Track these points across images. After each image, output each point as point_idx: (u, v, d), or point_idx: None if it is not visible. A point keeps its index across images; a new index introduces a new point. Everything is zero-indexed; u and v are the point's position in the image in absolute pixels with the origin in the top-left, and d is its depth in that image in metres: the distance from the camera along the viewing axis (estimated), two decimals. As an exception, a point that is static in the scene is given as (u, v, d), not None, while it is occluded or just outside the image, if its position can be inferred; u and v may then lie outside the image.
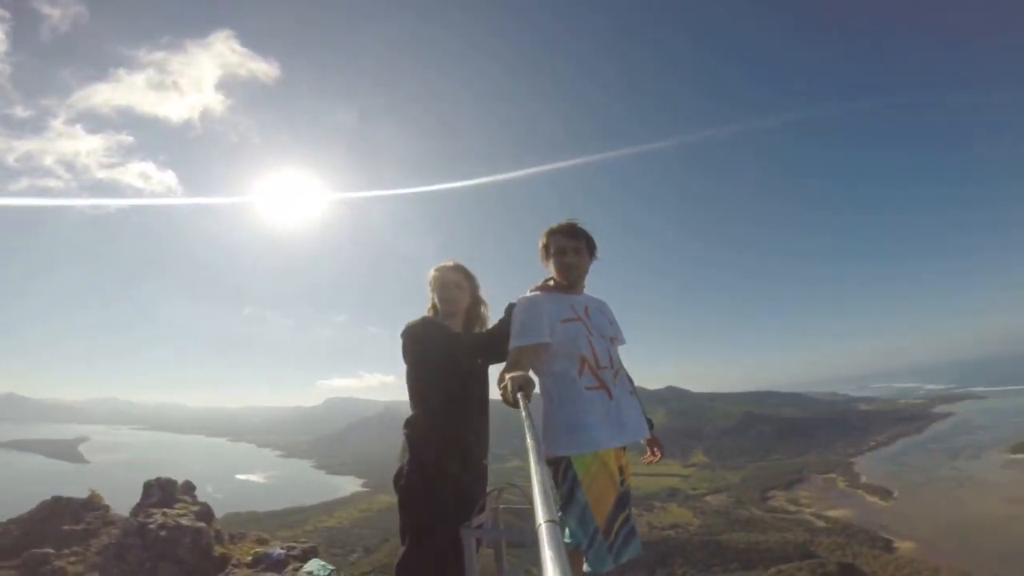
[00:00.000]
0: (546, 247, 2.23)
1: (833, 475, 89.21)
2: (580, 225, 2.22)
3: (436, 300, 2.50)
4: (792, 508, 73.81)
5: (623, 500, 1.96)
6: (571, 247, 2.18)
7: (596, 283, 2.38)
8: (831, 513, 68.14)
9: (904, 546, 52.10)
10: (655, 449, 2.33)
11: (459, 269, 2.52)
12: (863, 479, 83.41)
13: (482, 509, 2.10)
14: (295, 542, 7.23)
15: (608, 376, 2.08)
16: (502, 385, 1.78)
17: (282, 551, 6.93)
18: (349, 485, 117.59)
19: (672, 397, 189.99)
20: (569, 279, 2.20)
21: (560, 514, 1.87)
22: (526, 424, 1.37)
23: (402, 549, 2.19)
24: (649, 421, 2.29)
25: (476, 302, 2.59)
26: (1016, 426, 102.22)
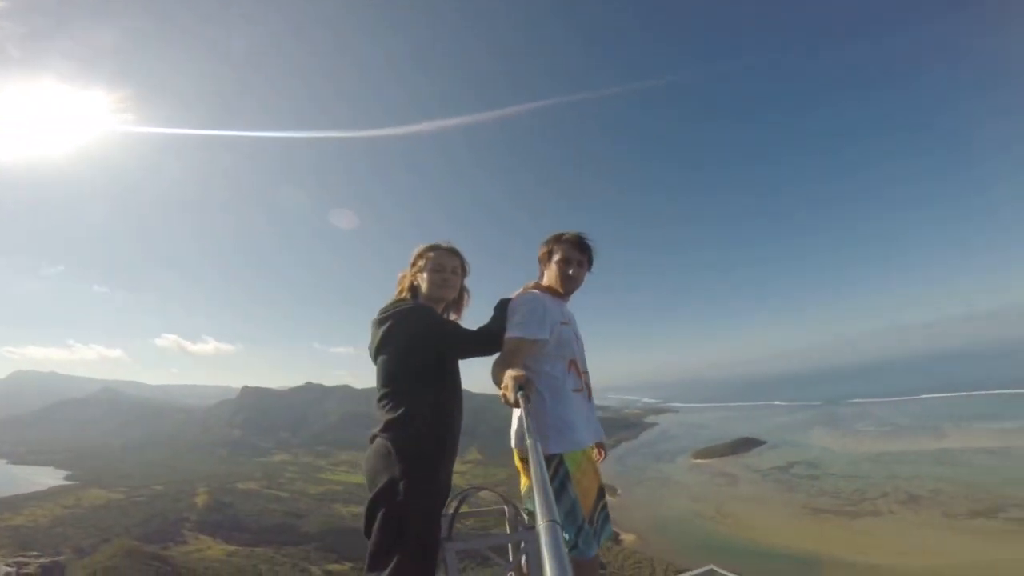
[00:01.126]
0: (550, 252, 2.29)
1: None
2: (588, 239, 2.29)
3: (424, 282, 2.25)
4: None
5: (602, 491, 2.17)
6: (576, 259, 2.25)
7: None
8: (573, 508, 78.51)
9: (628, 538, 62.49)
10: (601, 450, 2.49)
11: (457, 254, 2.33)
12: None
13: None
14: (24, 555, 5.22)
15: (586, 381, 2.27)
16: (504, 384, 1.76)
17: (9, 570, 4.92)
18: (46, 477, 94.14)
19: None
20: (568, 288, 2.28)
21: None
22: (526, 424, 1.37)
23: (384, 573, 1.84)
24: None
25: (462, 291, 2.44)
26: (698, 436, 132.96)
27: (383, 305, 2.23)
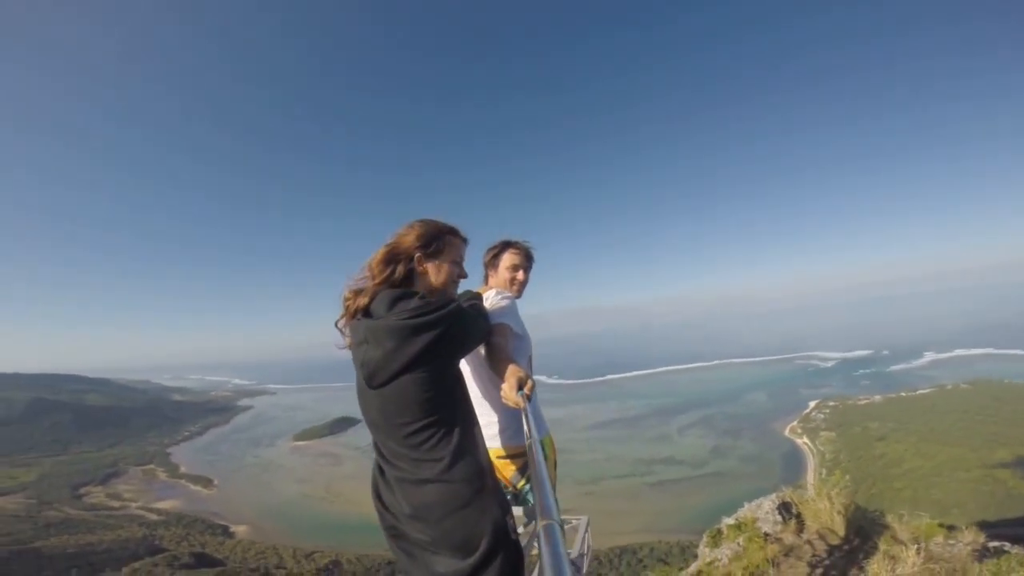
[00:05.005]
0: (497, 256, 2.38)
1: (152, 466, 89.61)
2: (533, 248, 2.45)
3: (437, 276, 1.61)
4: (116, 504, 69.74)
5: (555, 461, 2.30)
6: (525, 266, 2.39)
7: None
8: (160, 505, 68.57)
9: (240, 530, 59.64)
10: None
11: (465, 244, 1.74)
12: (183, 469, 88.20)
13: None
14: None
15: None
16: (507, 383, 1.50)
17: None
18: None
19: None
20: (519, 293, 2.37)
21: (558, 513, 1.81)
22: (527, 423, 1.27)
23: None
24: None
25: None
26: (297, 418, 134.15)
27: (375, 293, 1.48)
